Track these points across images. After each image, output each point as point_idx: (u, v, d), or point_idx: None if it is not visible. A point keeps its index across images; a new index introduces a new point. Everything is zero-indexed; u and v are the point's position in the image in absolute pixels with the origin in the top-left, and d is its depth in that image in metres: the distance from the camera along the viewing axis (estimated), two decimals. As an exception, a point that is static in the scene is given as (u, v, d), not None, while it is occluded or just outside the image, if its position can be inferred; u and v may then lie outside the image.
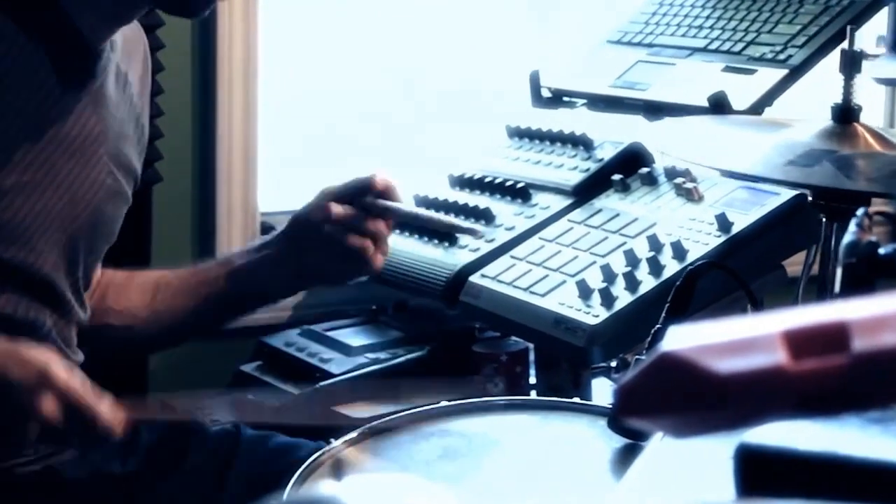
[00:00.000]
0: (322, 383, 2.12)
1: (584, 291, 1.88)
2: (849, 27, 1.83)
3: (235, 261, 1.83)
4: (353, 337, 2.26)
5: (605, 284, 1.87)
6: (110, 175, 1.64)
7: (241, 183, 2.51)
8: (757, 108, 2.08)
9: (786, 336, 0.69)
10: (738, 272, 1.65)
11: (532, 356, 2.14)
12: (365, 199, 1.76)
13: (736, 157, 1.73)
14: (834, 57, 2.08)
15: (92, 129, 1.60)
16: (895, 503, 0.80)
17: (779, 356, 0.69)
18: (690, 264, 1.66)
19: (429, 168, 2.53)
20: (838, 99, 1.80)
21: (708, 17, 2.35)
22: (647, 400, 0.71)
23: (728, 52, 2.24)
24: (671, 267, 1.87)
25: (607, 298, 1.85)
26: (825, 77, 2.12)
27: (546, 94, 2.41)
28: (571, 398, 1.65)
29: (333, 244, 1.75)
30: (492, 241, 2.15)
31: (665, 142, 1.79)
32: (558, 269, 1.98)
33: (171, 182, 2.41)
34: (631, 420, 0.72)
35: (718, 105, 2.07)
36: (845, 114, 1.79)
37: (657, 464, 0.99)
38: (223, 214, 2.50)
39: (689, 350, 0.69)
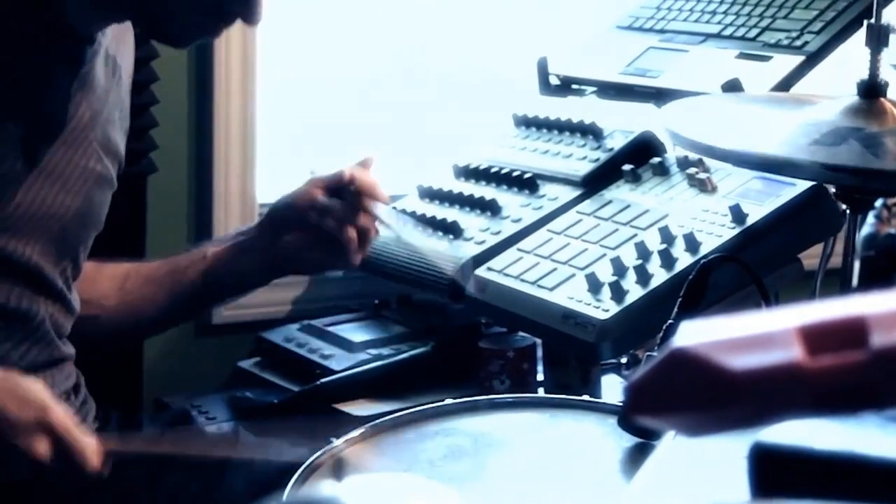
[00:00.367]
0: (323, 380, 2.12)
1: (594, 285, 1.88)
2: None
3: (208, 249, 1.85)
4: (355, 332, 2.26)
5: (615, 278, 1.87)
6: (99, 162, 1.66)
7: (239, 173, 2.51)
8: (772, 96, 2.08)
9: (802, 331, 0.69)
10: (753, 265, 1.65)
11: (540, 352, 2.14)
12: (350, 189, 1.78)
13: (755, 138, 1.70)
14: (851, 44, 2.09)
15: (82, 115, 1.62)
16: (915, 504, 0.80)
17: (795, 352, 0.69)
18: (703, 257, 1.66)
19: (433, 158, 2.53)
20: (864, 75, 1.78)
21: (722, 2, 2.34)
22: (658, 397, 0.71)
23: (742, 38, 2.24)
24: (683, 260, 1.87)
25: (618, 292, 1.85)
26: (843, 63, 2.12)
27: (554, 81, 2.41)
28: (580, 396, 1.65)
29: (316, 232, 1.77)
30: (498, 233, 2.15)
31: (677, 123, 1.76)
32: (567, 263, 1.98)
33: (167, 172, 2.41)
34: (642, 418, 0.72)
35: (732, 92, 2.07)
36: (872, 89, 1.77)
37: (669, 464, 0.99)
38: (220, 205, 2.50)
39: (701, 346, 0.69)
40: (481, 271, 2.05)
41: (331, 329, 2.27)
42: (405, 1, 2.76)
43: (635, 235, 1.97)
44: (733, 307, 1.80)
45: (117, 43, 1.71)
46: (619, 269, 1.89)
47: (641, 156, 2.18)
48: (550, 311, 1.90)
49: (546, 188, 2.23)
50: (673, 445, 0.99)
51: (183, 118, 2.47)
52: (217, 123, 2.48)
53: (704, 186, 2.01)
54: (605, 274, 1.89)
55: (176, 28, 1.58)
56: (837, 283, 1.94)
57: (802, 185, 1.92)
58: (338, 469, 1.35)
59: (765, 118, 1.81)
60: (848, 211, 1.81)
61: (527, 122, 2.42)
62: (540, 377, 2.15)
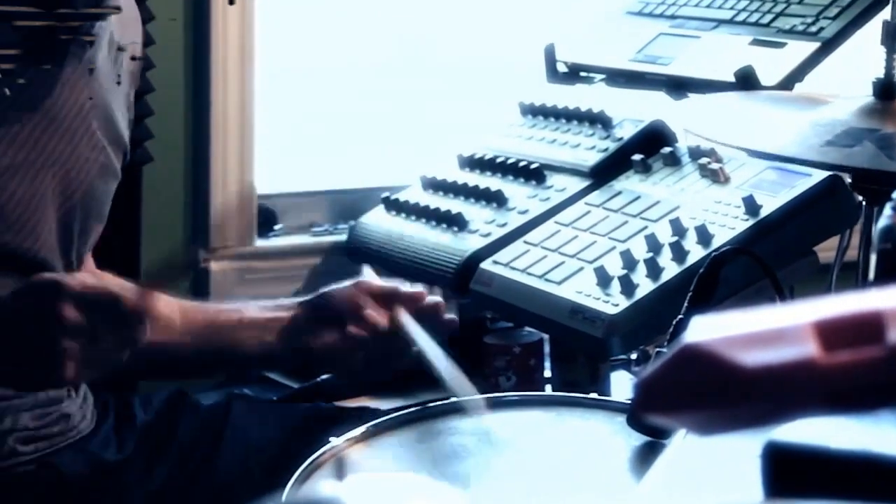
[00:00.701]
0: (324, 376, 2.12)
1: (603, 279, 1.88)
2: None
3: (244, 311, 1.76)
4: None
5: (624, 272, 1.87)
6: (102, 151, 1.66)
7: (237, 163, 2.51)
8: (787, 84, 2.08)
9: (817, 327, 0.69)
10: (767, 259, 1.65)
11: (547, 348, 2.15)
12: (400, 306, 1.68)
13: (768, 137, 1.71)
14: (868, 30, 2.08)
15: (83, 103, 1.62)
16: (933, 505, 0.80)
17: (809, 348, 0.69)
18: (716, 250, 1.66)
19: (436, 148, 2.53)
20: (879, 73, 1.79)
21: (735, -13, 2.34)
22: (669, 395, 0.71)
23: (756, 23, 2.24)
24: (695, 253, 1.87)
25: (627, 286, 1.85)
26: (861, 51, 2.12)
27: (562, 68, 2.41)
28: (588, 393, 1.65)
29: (352, 340, 1.69)
30: (504, 225, 2.15)
31: (690, 121, 1.77)
32: (575, 256, 1.98)
33: (163, 162, 2.41)
34: (652, 416, 0.72)
35: (746, 80, 2.07)
36: (887, 89, 1.77)
37: (680, 463, 0.99)
38: (217, 196, 2.50)
39: (713, 342, 0.69)
40: (487, 265, 2.05)
41: (332, 324, 2.27)
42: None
43: (645, 228, 1.97)
44: (746, 302, 1.80)
45: (123, 28, 1.71)
46: (629, 262, 1.89)
47: (652, 145, 2.18)
48: (558, 306, 1.90)
49: (553, 179, 2.23)
50: (684, 444, 0.99)
51: (179, 106, 2.47)
52: (214, 112, 2.48)
53: (717, 177, 2.01)
54: (615, 267, 1.89)
55: None
56: (853, 276, 1.94)
57: (818, 175, 1.91)
58: (339, 468, 1.35)
59: (777, 117, 1.82)
60: (864, 203, 1.82)
61: (533, 111, 2.42)
62: (547, 374, 2.15)
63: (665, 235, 1.92)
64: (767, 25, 2.22)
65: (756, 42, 2.20)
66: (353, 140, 2.73)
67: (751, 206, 1.91)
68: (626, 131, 2.25)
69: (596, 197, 2.12)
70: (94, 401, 1.76)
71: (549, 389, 2.10)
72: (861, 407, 0.71)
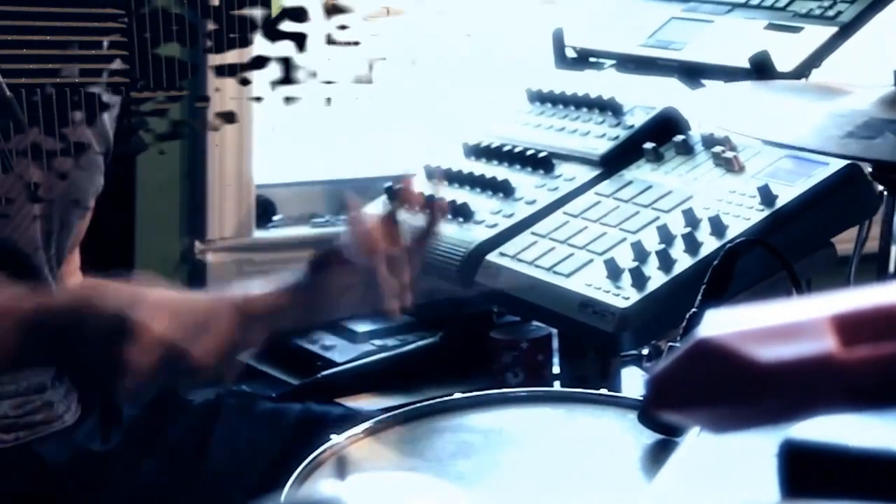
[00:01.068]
0: (324, 373, 2.12)
1: (614, 271, 1.88)
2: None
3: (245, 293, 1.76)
4: (358, 322, 2.25)
5: (636, 264, 1.87)
6: (83, 140, 1.66)
7: (234, 152, 2.51)
8: (803, 70, 2.08)
9: (835, 321, 0.69)
10: (783, 250, 1.65)
11: (555, 343, 2.15)
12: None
13: (786, 129, 1.71)
14: (888, 14, 2.08)
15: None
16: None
17: (827, 343, 0.69)
18: (730, 242, 1.66)
19: (441, 136, 2.53)
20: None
21: (750, -31, 2.34)
22: (682, 391, 0.71)
23: (771, 7, 2.24)
24: (709, 245, 1.87)
25: (639, 279, 1.85)
26: (881, 38, 2.12)
27: (571, 54, 2.41)
28: (599, 389, 1.65)
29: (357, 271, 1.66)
30: (511, 215, 2.15)
31: (705, 110, 1.77)
32: (585, 247, 1.98)
33: (157, 151, 2.40)
34: (664, 413, 0.72)
35: (761, 66, 2.07)
36: (911, 78, 1.77)
37: (693, 462, 0.99)
38: (214, 186, 2.50)
39: (728, 336, 0.69)
40: (493, 257, 2.05)
41: (333, 318, 2.27)
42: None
43: (657, 218, 1.97)
44: (762, 295, 1.80)
45: None
46: (641, 254, 1.89)
47: (664, 133, 2.17)
48: (567, 299, 1.90)
49: (562, 168, 2.23)
50: (697, 442, 0.99)
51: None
52: (210, 99, 2.47)
53: (731, 166, 2.01)
54: (626, 259, 1.89)
55: None
56: (873, 269, 1.94)
57: (836, 164, 1.91)
58: (340, 467, 1.35)
59: (797, 108, 1.81)
60: (885, 192, 1.81)
61: (541, 98, 2.42)
62: (556, 369, 2.15)
63: (678, 226, 1.91)
64: (783, 9, 2.22)
65: (771, 26, 2.19)
66: (354, 129, 2.73)
67: (766, 195, 1.91)
68: (637, 119, 2.24)
69: (606, 186, 2.12)
70: (80, 393, 1.77)
71: (557, 385, 2.10)
72: (881, 404, 0.71)
